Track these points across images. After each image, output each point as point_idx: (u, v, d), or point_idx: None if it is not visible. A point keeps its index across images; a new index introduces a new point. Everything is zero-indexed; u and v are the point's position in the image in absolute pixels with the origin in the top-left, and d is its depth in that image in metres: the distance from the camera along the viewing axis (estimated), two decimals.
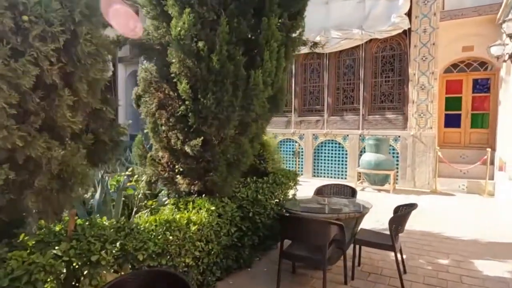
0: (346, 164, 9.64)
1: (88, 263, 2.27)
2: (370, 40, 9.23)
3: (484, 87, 9.11)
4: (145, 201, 4.06)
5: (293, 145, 10.44)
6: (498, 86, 8.72)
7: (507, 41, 7.18)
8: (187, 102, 3.28)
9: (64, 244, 2.22)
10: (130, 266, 2.57)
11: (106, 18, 2.50)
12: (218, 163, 3.37)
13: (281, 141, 10.57)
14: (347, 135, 9.59)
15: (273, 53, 3.50)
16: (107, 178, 4.53)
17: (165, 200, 3.82)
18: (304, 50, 7.06)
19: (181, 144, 3.42)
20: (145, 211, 3.85)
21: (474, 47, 8.81)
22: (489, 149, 7.89)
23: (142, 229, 2.64)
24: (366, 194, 7.77)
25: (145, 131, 3.74)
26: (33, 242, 2.29)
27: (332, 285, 3.44)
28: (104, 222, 2.64)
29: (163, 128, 3.57)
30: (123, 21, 2.87)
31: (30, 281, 1.98)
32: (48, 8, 1.59)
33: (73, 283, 2.32)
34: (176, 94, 3.43)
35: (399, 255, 3.51)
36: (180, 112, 3.37)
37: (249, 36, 3.55)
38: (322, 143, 10.02)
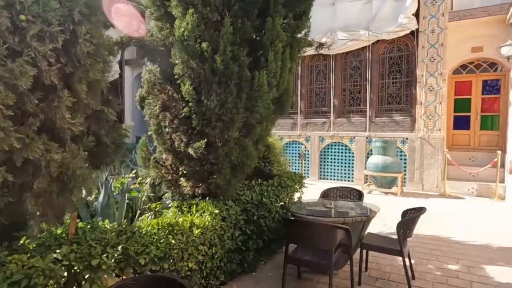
0: (352, 167, 9.53)
1: (89, 267, 2.24)
2: (377, 41, 9.13)
3: (494, 88, 8.94)
4: (149, 204, 4.03)
5: (299, 147, 10.36)
6: (508, 87, 8.55)
7: None
8: (190, 104, 3.25)
9: (65, 248, 2.18)
10: (132, 270, 2.53)
11: (109, 18, 2.48)
12: (222, 165, 3.32)
13: (287, 143, 10.50)
14: (354, 137, 9.49)
15: (278, 54, 3.44)
16: (111, 180, 4.51)
17: (169, 203, 3.78)
18: (310, 51, 7.03)
19: (184, 146, 3.38)
20: (149, 213, 3.82)
21: (484, 47, 8.66)
22: (499, 152, 7.73)
23: (144, 232, 2.60)
24: (373, 197, 7.66)
25: (149, 133, 3.71)
26: (34, 245, 2.26)
27: None
28: (106, 225, 2.61)
29: (167, 130, 3.54)
30: (126, 21, 2.84)
31: (29, 285, 1.95)
32: (46, 7, 1.56)
33: (74, 287, 2.28)
34: (179, 95, 3.39)
35: (407, 260, 3.42)
36: (183, 114, 3.34)
37: (254, 36, 3.51)
38: (328, 145, 9.93)
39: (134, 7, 3.61)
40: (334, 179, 9.80)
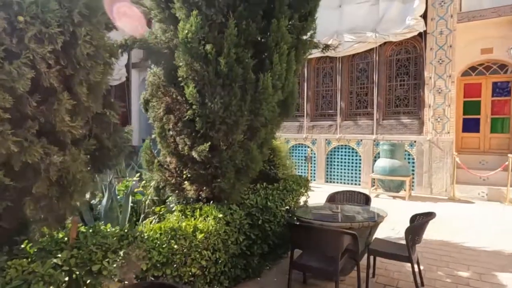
0: (359, 170, 9.42)
1: (90, 272, 2.20)
2: (384, 43, 9.04)
3: (505, 90, 8.77)
4: (153, 207, 4.00)
5: (305, 150, 10.28)
6: None
7: None
8: (194, 107, 3.21)
9: (65, 253, 2.15)
10: (134, 276, 2.49)
11: (112, 19, 2.45)
12: (226, 169, 3.27)
13: (293, 146, 10.43)
14: (361, 140, 9.38)
15: (283, 56, 3.39)
16: (115, 183, 4.49)
17: (173, 206, 3.74)
18: (316, 54, 6.95)
19: (188, 150, 3.34)
20: (153, 217, 3.78)
21: (494, 49, 8.50)
22: (510, 155, 7.56)
23: (146, 237, 2.56)
24: (380, 201, 7.54)
25: (153, 136, 3.68)
26: (35, 250, 2.23)
27: None
28: (108, 230, 2.57)
29: (171, 133, 3.50)
30: (129, 22, 2.82)
31: None
32: (45, 8, 1.53)
33: None
34: (183, 98, 3.35)
35: (416, 267, 3.33)
36: (187, 117, 3.30)
37: (259, 38, 3.46)
38: (335, 148, 9.83)
39: (138, 9, 3.60)
40: (340, 183, 9.69)
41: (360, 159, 9.41)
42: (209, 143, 3.20)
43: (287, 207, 4.16)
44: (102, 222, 3.05)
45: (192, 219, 3.16)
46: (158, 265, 2.54)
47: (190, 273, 2.84)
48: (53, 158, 1.81)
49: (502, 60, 8.46)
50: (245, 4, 3.26)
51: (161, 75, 3.60)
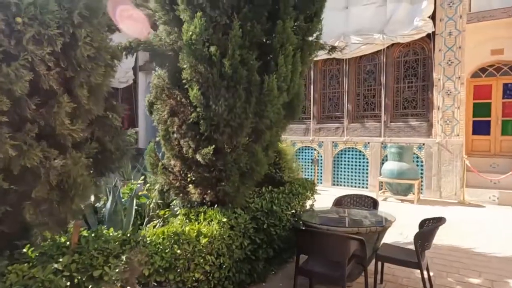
0: (367, 173, 9.30)
1: (91, 278, 2.17)
2: (392, 45, 8.93)
3: None
4: (157, 211, 3.96)
5: (311, 153, 10.19)
6: None
7: None
8: (198, 109, 3.17)
9: (66, 258, 2.11)
10: (136, 281, 2.45)
11: (114, 21, 2.43)
12: (230, 172, 3.22)
13: (299, 149, 10.35)
14: (368, 143, 9.26)
15: (288, 58, 3.34)
16: (120, 186, 4.47)
17: (177, 210, 3.70)
18: (323, 56, 6.90)
19: (192, 152, 3.30)
20: (157, 221, 3.75)
21: (504, 50, 8.35)
22: None
23: (148, 242, 2.52)
24: (388, 205, 7.43)
25: (157, 138, 3.65)
26: (37, 254, 2.20)
27: None
28: (111, 234, 2.54)
29: (175, 135, 3.47)
30: (131, 24, 2.79)
31: None
32: (44, 9, 1.50)
33: None
34: (188, 100, 3.32)
35: (425, 273, 3.24)
36: (191, 119, 3.26)
37: (264, 40, 3.41)
38: (342, 151, 9.73)
39: (143, 11, 3.59)
40: (347, 186, 9.58)
41: (367, 162, 9.29)
42: (213, 146, 3.16)
43: (293, 211, 4.10)
44: (105, 226, 3.02)
45: (196, 223, 3.12)
46: (161, 270, 2.50)
47: (193, 279, 2.79)
48: (53, 162, 1.78)
49: None
50: (250, 5, 3.22)
51: (165, 78, 3.57)
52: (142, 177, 4.89)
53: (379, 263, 3.47)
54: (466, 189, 7.79)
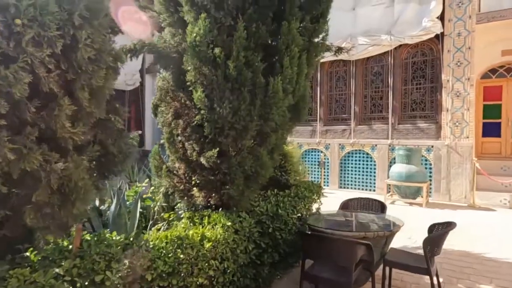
0: (374, 176, 9.19)
1: (93, 283, 2.14)
2: (400, 46, 8.83)
3: None
4: (162, 214, 3.94)
5: (318, 155, 10.11)
6: None
7: None
8: (202, 111, 3.13)
9: (67, 263, 2.09)
10: (139, 287, 2.41)
11: (119, 23, 2.40)
12: (235, 175, 3.18)
13: (305, 151, 10.27)
14: (376, 145, 9.16)
15: (294, 59, 3.29)
16: (125, 188, 4.46)
17: (181, 213, 3.67)
18: (329, 57, 6.83)
19: (197, 155, 3.27)
20: (161, 224, 3.72)
21: None
22: None
23: (151, 246, 2.48)
24: (396, 208, 7.31)
25: (162, 141, 3.63)
26: (39, 258, 2.18)
27: None
28: (114, 238, 2.51)
29: (179, 138, 3.44)
30: (134, 26, 2.77)
31: None
32: (44, 10, 1.48)
33: None
34: (192, 103, 3.29)
35: (435, 279, 3.16)
36: (195, 122, 3.23)
37: (269, 41, 3.37)
38: (348, 153, 9.63)
39: (147, 14, 3.57)
40: (354, 188, 9.47)
41: (375, 165, 9.18)
42: (218, 148, 3.12)
43: (299, 215, 4.04)
44: (108, 230, 2.99)
45: (200, 226, 3.08)
46: (164, 275, 2.46)
47: (197, 284, 2.75)
48: (54, 165, 1.76)
49: None
50: (255, 6, 3.18)
51: (170, 80, 3.55)
52: (146, 180, 4.87)
53: (387, 269, 3.39)
54: (476, 192, 7.64)
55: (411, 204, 7.85)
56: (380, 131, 9.20)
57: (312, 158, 10.23)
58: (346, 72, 9.81)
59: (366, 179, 9.35)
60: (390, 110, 9.02)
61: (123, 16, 2.62)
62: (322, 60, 7.11)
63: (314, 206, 4.48)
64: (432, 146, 8.34)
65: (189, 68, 3.13)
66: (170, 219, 3.74)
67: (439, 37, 8.20)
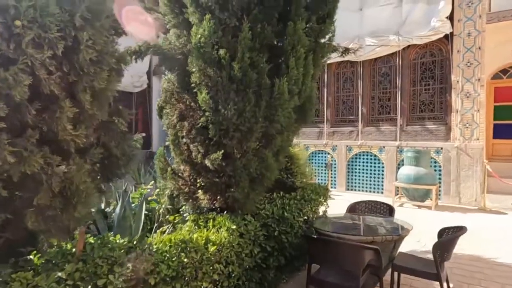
0: (382, 178, 9.07)
1: (95, 287, 2.11)
2: (408, 46, 8.72)
3: None
4: (167, 216, 3.91)
5: (325, 157, 10.03)
6: None
7: None
8: (207, 113, 3.10)
9: (70, 266, 2.07)
10: None
11: (123, 25, 2.39)
12: (240, 178, 3.14)
13: (312, 153, 10.20)
14: (383, 147, 9.05)
15: (299, 60, 3.25)
16: (130, 191, 4.45)
17: (186, 216, 3.64)
18: (336, 58, 6.77)
19: (201, 158, 3.24)
20: (166, 226, 3.70)
21: None
22: None
23: (155, 250, 2.45)
24: (405, 211, 7.20)
25: (167, 143, 3.61)
26: (42, 262, 2.17)
27: None
28: (117, 241, 2.49)
29: (184, 140, 3.41)
30: (138, 27, 2.75)
31: None
32: (44, 12, 1.46)
33: None
34: (197, 105, 3.26)
35: (445, 285, 3.07)
36: (200, 124, 3.20)
37: (274, 42, 3.33)
38: (356, 155, 9.53)
39: (153, 15, 3.56)
40: (362, 191, 9.37)
41: (383, 167, 9.07)
42: (223, 151, 3.09)
43: (305, 218, 3.98)
44: (112, 233, 2.97)
45: (205, 230, 3.04)
46: (168, 279, 2.42)
47: None
48: (55, 168, 1.74)
49: None
50: (260, 7, 3.15)
51: (175, 81, 3.53)
52: (151, 182, 4.86)
53: (396, 274, 3.32)
54: (487, 195, 7.49)
55: (419, 207, 7.73)
56: (388, 133, 9.09)
57: (319, 160, 10.15)
58: (354, 73, 9.72)
59: (374, 181, 9.24)
60: (398, 111, 8.91)
61: (128, 17, 2.60)
62: (329, 61, 7.05)
63: (321, 209, 4.42)
64: (442, 148, 8.20)
65: (193, 69, 3.11)
66: (176, 221, 3.71)
67: (449, 37, 8.08)
